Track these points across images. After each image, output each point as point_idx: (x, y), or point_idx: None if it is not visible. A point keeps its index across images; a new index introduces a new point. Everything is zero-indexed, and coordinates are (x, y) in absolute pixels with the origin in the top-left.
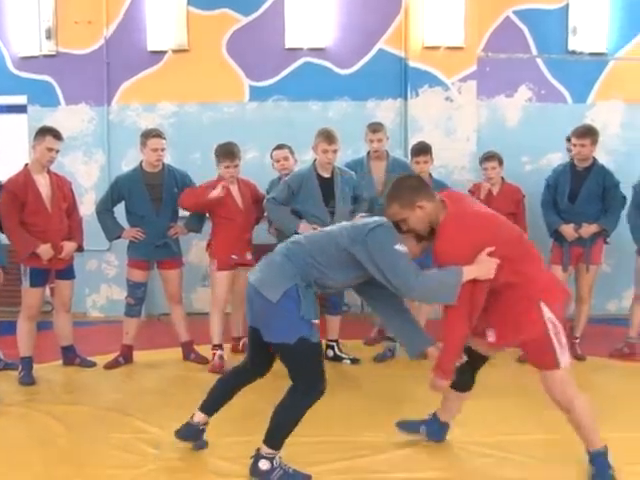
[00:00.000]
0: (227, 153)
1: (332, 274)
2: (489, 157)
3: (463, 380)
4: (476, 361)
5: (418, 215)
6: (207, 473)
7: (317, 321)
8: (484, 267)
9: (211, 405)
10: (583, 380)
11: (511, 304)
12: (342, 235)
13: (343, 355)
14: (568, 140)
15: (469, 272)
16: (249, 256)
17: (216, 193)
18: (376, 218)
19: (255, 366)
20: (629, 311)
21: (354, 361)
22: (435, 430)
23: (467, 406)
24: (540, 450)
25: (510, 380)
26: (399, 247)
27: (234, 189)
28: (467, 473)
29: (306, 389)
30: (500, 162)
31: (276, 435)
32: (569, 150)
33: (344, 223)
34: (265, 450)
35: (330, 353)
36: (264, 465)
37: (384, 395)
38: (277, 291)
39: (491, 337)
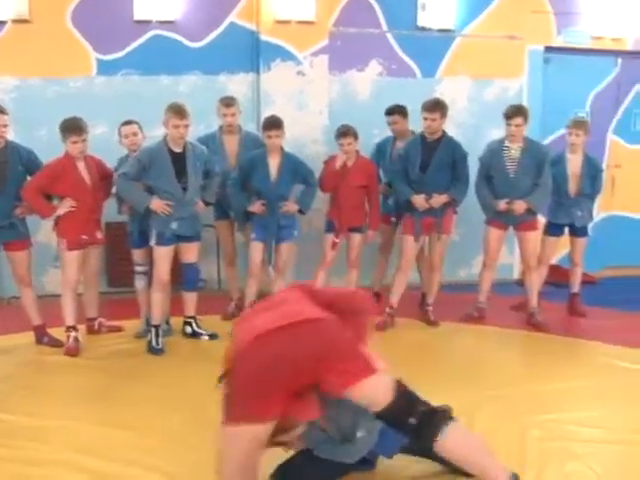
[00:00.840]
0: (73, 128)
1: None
2: (344, 132)
3: None
4: None
5: None
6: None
7: None
8: None
9: None
10: (438, 344)
11: None
12: None
13: (201, 331)
14: (387, 114)
15: None
16: (99, 235)
17: (62, 211)
18: None
19: None
20: (478, 277)
21: (212, 336)
22: None
23: None
24: None
25: None
26: None
27: (81, 166)
28: None
29: None
30: (355, 137)
31: None
32: (389, 124)
33: None
34: None
35: (188, 329)
36: None
37: None
38: None
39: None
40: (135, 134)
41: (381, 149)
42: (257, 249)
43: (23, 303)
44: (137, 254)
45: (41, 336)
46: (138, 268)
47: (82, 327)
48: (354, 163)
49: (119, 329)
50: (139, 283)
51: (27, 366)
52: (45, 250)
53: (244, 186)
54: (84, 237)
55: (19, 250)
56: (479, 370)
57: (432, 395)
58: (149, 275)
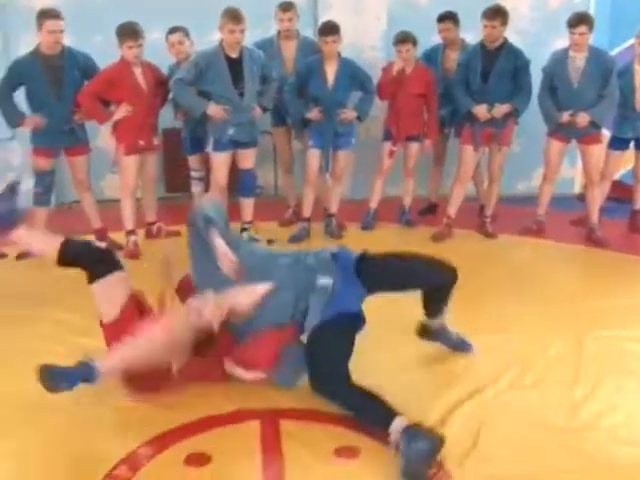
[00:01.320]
0: (129, 32)
1: None
2: (403, 39)
3: None
4: None
5: None
6: None
7: None
8: None
9: None
10: (496, 256)
11: None
12: None
13: (258, 237)
14: (439, 21)
15: None
16: (156, 141)
17: (118, 116)
18: None
19: None
20: (537, 190)
21: (269, 242)
22: None
23: None
24: None
25: None
26: None
27: (137, 72)
28: None
29: None
30: (414, 43)
31: None
32: (440, 31)
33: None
34: None
35: (245, 235)
36: None
37: None
38: None
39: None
40: (181, 42)
41: (430, 58)
42: (314, 156)
43: (83, 207)
44: (192, 160)
45: (101, 239)
46: (194, 174)
47: (141, 231)
48: (412, 70)
49: (177, 233)
50: (195, 188)
51: None
52: (103, 155)
53: (301, 92)
54: (141, 142)
55: (78, 155)
56: (536, 283)
57: (487, 307)
58: (205, 181)
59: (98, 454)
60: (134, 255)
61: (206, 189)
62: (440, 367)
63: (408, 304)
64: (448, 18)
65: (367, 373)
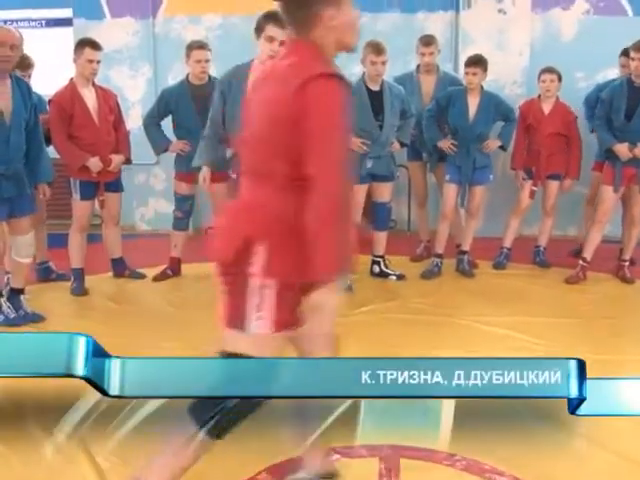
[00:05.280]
0: None
1: None
2: (549, 70)
3: None
4: None
5: None
6: None
7: None
8: None
9: None
10: (633, 303)
11: None
12: None
13: (389, 271)
14: (623, 55)
15: None
16: None
17: None
18: None
19: None
20: None
21: (400, 277)
22: None
23: None
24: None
25: None
26: None
27: None
28: None
29: None
30: (559, 77)
31: None
32: (623, 66)
33: None
34: None
35: (376, 269)
36: None
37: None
38: None
39: None
40: None
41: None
42: (451, 191)
43: None
44: None
45: None
46: None
47: None
48: (552, 108)
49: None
50: None
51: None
52: None
53: (439, 121)
54: None
55: (218, 182)
56: None
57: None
58: None
59: None
60: None
61: None
62: None
63: None
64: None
65: None
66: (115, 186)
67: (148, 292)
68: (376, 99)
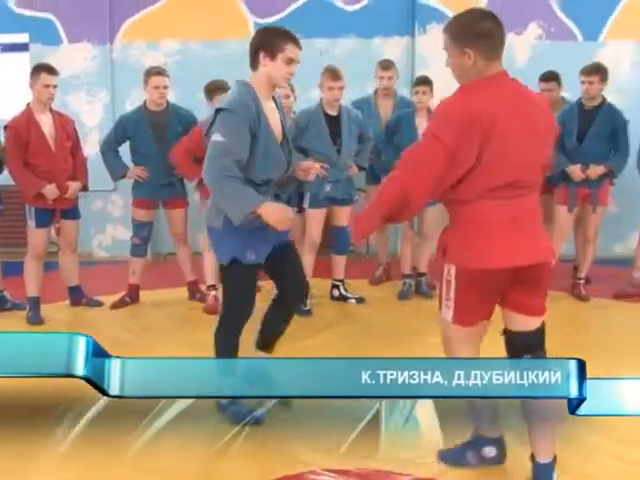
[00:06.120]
0: (215, 89)
1: None
2: None
3: None
4: None
5: None
6: None
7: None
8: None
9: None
10: (588, 320)
11: None
12: None
13: (349, 294)
14: (542, 80)
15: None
16: None
17: None
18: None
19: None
20: (634, 252)
21: (359, 300)
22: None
23: None
24: None
25: None
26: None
27: None
28: None
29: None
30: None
31: None
32: (542, 90)
33: None
34: None
35: (336, 292)
36: None
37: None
38: None
39: None
40: (287, 96)
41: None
42: None
43: (178, 259)
44: None
45: (194, 292)
46: None
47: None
48: None
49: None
50: None
51: (179, 320)
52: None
53: (390, 143)
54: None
55: (176, 208)
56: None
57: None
58: None
59: None
60: (213, 309)
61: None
62: None
63: None
64: (554, 78)
65: None
66: (72, 213)
67: (106, 320)
68: (334, 124)
